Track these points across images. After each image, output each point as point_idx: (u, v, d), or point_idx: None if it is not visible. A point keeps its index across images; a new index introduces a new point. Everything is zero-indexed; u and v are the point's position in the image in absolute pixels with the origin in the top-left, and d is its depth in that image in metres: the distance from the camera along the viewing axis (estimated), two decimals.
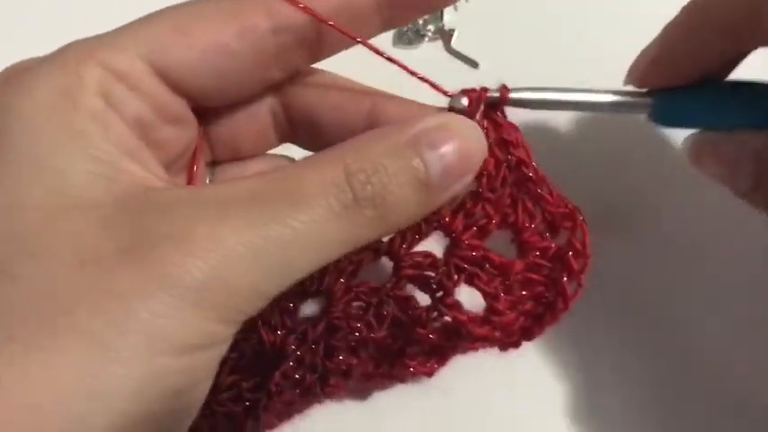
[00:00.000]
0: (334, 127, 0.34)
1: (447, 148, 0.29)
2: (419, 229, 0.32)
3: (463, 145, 0.29)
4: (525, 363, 0.39)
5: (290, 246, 0.26)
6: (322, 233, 0.27)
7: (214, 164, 0.36)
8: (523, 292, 0.33)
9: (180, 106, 0.31)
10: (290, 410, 0.36)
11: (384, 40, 0.49)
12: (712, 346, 0.39)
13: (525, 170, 0.32)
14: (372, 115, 0.33)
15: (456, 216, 0.32)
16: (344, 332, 0.33)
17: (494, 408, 0.39)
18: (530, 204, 0.32)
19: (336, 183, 0.27)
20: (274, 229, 0.26)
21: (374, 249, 0.32)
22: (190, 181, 0.34)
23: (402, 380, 0.37)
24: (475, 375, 0.39)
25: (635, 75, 0.35)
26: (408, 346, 0.34)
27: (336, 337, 0.33)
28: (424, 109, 0.33)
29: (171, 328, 0.24)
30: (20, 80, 0.28)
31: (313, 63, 0.33)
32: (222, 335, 0.26)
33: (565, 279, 0.33)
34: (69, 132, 0.27)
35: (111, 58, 0.28)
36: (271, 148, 0.36)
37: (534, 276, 0.33)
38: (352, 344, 0.33)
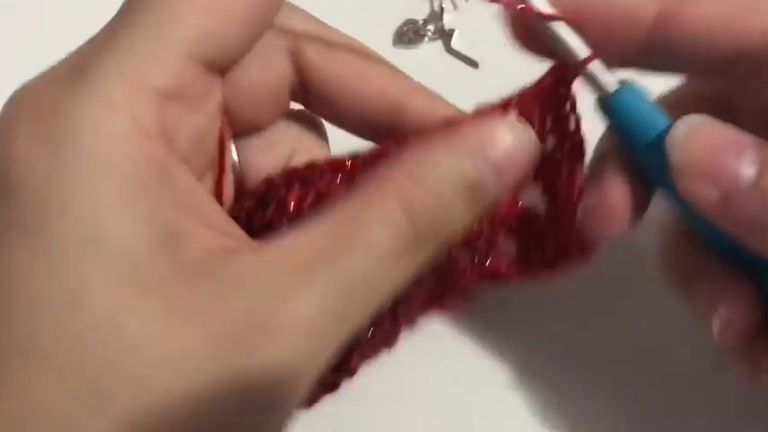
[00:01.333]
0: (351, 109, 0.32)
1: (498, 158, 0.28)
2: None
3: (513, 151, 0.28)
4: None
5: (360, 296, 0.25)
6: (386, 275, 0.26)
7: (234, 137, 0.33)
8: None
9: (218, 90, 0.29)
10: None
11: (384, 39, 0.49)
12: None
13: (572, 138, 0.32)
14: (396, 109, 0.32)
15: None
16: (405, 298, 0.34)
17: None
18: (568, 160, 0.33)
19: (398, 224, 0.26)
20: (346, 287, 0.25)
21: None
22: (221, 171, 0.32)
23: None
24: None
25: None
26: (447, 294, 0.37)
27: (399, 307, 0.34)
28: (455, 111, 0.32)
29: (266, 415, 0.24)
30: (53, 123, 0.24)
31: None
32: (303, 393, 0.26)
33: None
34: (125, 194, 0.23)
35: (161, 76, 0.25)
36: (284, 111, 0.34)
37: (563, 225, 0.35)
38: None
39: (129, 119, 0.24)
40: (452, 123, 0.29)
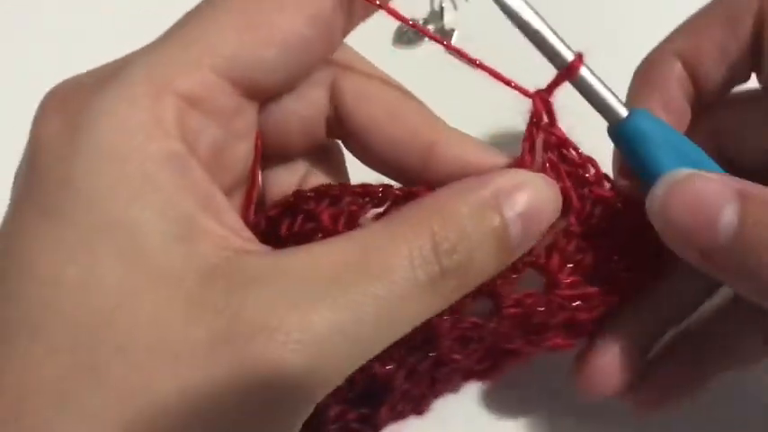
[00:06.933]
0: (383, 148, 0.32)
1: (526, 208, 0.28)
2: (516, 269, 0.31)
3: (539, 204, 0.28)
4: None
5: (378, 324, 0.25)
6: (408, 307, 0.26)
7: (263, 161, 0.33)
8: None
9: (251, 113, 0.29)
10: None
11: (384, 39, 0.49)
12: None
13: (608, 203, 0.32)
14: (428, 154, 0.31)
15: (551, 256, 0.32)
16: (449, 366, 0.34)
17: None
18: (621, 234, 0.32)
19: (424, 255, 0.26)
20: (365, 310, 0.25)
21: (476, 292, 0.31)
22: (251, 189, 0.32)
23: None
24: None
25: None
26: (493, 369, 0.36)
27: (441, 370, 0.34)
28: (486, 151, 0.32)
29: (268, 427, 0.24)
30: (79, 114, 0.25)
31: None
32: (307, 414, 0.25)
33: None
34: (142, 184, 0.24)
35: (185, 83, 0.26)
36: (318, 143, 0.34)
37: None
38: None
39: (149, 115, 0.25)
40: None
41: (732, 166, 0.34)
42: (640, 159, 0.31)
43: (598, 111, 0.31)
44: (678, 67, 0.34)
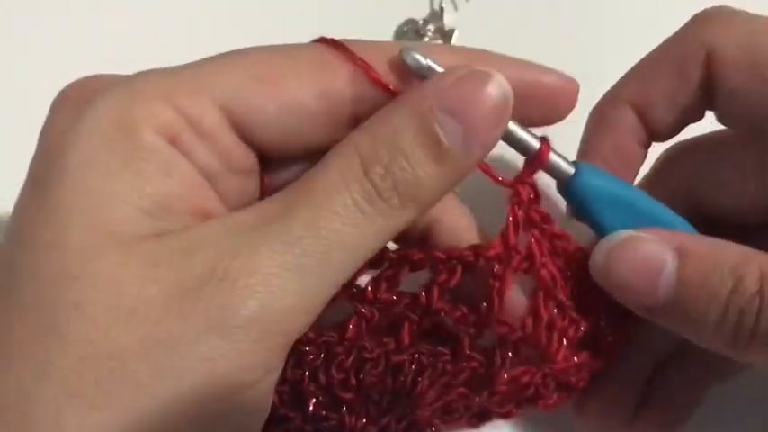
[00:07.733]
0: None
1: (464, 108, 0.26)
2: (516, 350, 0.31)
3: (484, 99, 0.26)
4: None
5: (327, 256, 0.25)
6: (355, 234, 0.26)
7: None
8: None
9: (247, 157, 0.29)
10: None
11: (384, 39, 0.49)
12: None
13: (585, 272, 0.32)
14: (431, 226, 0.32)
15: (551, 336, 0.32)
16: (425, 429, 0.33)
17: None
18: (603, 301, 0.32)
19: (355, 177, 0.26)
20: (309, 243, 0.25)
21: (472, 368, 0.32)
22: None
23: None
24: None
25: None
26: (479, 421, 0.35)
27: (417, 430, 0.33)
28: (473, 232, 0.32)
29: (222, 369, 0.24)
30: (83, 103, 0.27)
31: None
32: (273, 363, 0.26)
33: None
34: (126, 165, 0.26)
35: (186, 102, 0.27)
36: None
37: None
38: None
39: (144, 111, 0.26)
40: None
41: (704, 211, 0.35)
42: (588, 217, 0.32)
43: (544, 170, 0.31)
44: (629, 114, 0.34)
